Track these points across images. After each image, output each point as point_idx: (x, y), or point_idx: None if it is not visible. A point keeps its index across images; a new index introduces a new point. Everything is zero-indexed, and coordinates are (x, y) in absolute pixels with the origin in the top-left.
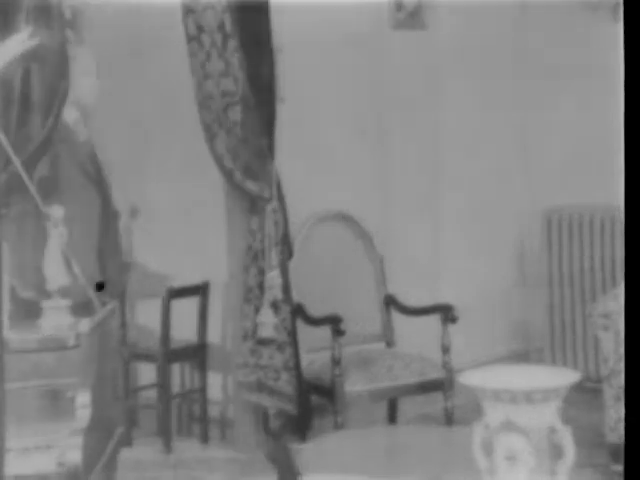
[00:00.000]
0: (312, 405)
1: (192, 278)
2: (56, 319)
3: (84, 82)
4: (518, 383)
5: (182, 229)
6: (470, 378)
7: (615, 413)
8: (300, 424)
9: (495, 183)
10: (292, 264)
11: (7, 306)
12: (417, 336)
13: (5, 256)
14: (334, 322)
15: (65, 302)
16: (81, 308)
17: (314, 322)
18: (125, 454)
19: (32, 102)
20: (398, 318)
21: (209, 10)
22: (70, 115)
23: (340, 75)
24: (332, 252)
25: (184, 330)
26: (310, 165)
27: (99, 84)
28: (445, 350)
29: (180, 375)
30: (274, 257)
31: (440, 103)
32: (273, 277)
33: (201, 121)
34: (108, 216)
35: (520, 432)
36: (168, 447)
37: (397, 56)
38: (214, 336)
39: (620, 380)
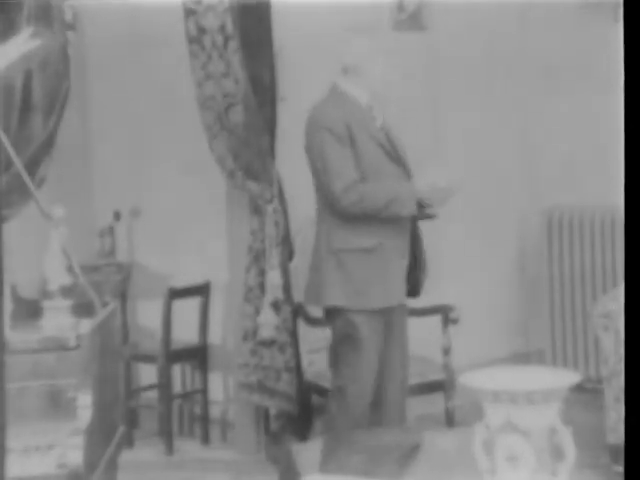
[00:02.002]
0: (313, 406)
1: (193, 278)
2: (57, 319)
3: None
4: (518, 384)
5: (183, 229)
6: (470, 379)
7: (615, 414)
8: (301, 425)
9: (495, 183)
10: (293, 264)
11: (8, 306)
12: (417, 337)
13: (6, 256)
14: None
15: (66, 302)
16: (82, 308)
17: (315, 322)
18: (126, 455)
19: (33, 103)
20: None
21: (210, 11)
22: (362, 98)
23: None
24: None
25: (185, 331)
26: None
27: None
28: (446, 351)
29: (181, 376)
30: (275, 257)
31: (440, 103)
32: (274, 277)
33: (202, 122)
34: None
35: (521, 433)
36: (169, 448)
37: (397, 56)
38: (215, 336)
39: (620, 380)
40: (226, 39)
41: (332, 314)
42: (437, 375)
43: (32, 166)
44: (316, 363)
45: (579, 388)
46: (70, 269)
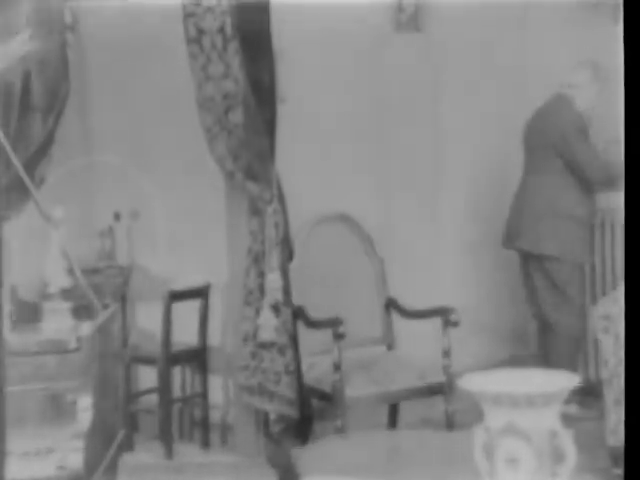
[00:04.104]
0: (313, 409)
1: (193, 280)
2: (57, 322)
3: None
4: (519, 387)
5: (183, 231)
6: (471, 382)
7: (615, 416)
8: (301, 428)
9: (495, 183)
10: (292, 266)
11: (8, 308)
12: (418, 339)
13: (6, 258)
14: (335, 325)
15: (66, 304)
16: (82, 311)
17: (315, 325)
18: (126, 458)
19: (33, 104)
20: (399, 321)
21: (209, 12)
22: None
23: (341, 76)
24: (332, 254)
25: (185, 333)
26: (310, 166)
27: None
28: (445, 353)
29: (181, 378)
30: (274, 259)
31: (440, 103)
32: (274, 279)
33: (202, 123)
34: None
35: (521, 435)
36: (169, 451)
37: (397, 57)
38: (215, 339)
39: (620, 383)
40: (225, 40)
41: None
42: (437, 378)
43: (31, 167)
44: (316, 366)
45: (579, 391)
46: (70, 271)
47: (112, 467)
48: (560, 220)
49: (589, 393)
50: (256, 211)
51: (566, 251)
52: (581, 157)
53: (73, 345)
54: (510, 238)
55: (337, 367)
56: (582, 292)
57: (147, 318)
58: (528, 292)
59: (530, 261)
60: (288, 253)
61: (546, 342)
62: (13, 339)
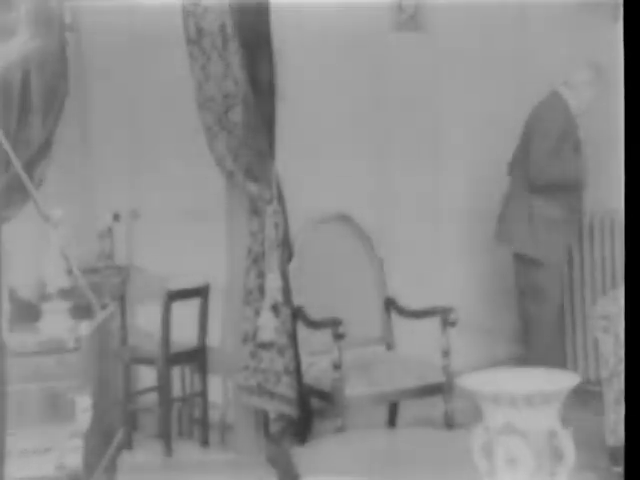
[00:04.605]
0: (312, 408)
1: (192, 280)
2: (56, 322)
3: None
4: (518, 386)
5: (182, 231)
6: (470, 381)
7: (615, 415)
8: (300, 427)
9: (495, 182)
10: (292, 266)
11: (7, 308)
12: (417, 339)
13: (5, 258)
14: (334, 325)
15: (65, 304)
16: (81, 310)
17: (314, 325)
18: (125, 457)
19: (32, 104)
20: (398, 321)
21: (209, 12)
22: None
23: (340, 76)
24: (332, 254)
25: (184, 333)
26: (310, 166)
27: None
28: (445, 353)
29: (180, 378)
30: (274, 259)
31: (440, 103)
32: (273, 279)
33: (202, 122)
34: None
35: (520, 435)
36: (168, 450)
37: (397, 57)
38: (214, 339)
39: (620, 382)
40: (225, 40)
41: None
42: (436, 378)
43: (31, 167)
44: (315, 366)
45: (579, 390)
46: (69, 271)
47: (111, 466)
48: (536, 221)
49: (588, 392)
50: (256, 211)
51: (543, 253)
52: (533, 154)
53: (72, 345)
54: (498, 236)
55: (337, 367)
56: (561, 292)
57: (146, 318)
58: (516, 292)
59: (516, 260)
60: (288, 253)
61: (530, 341)
62: (12, 339)
